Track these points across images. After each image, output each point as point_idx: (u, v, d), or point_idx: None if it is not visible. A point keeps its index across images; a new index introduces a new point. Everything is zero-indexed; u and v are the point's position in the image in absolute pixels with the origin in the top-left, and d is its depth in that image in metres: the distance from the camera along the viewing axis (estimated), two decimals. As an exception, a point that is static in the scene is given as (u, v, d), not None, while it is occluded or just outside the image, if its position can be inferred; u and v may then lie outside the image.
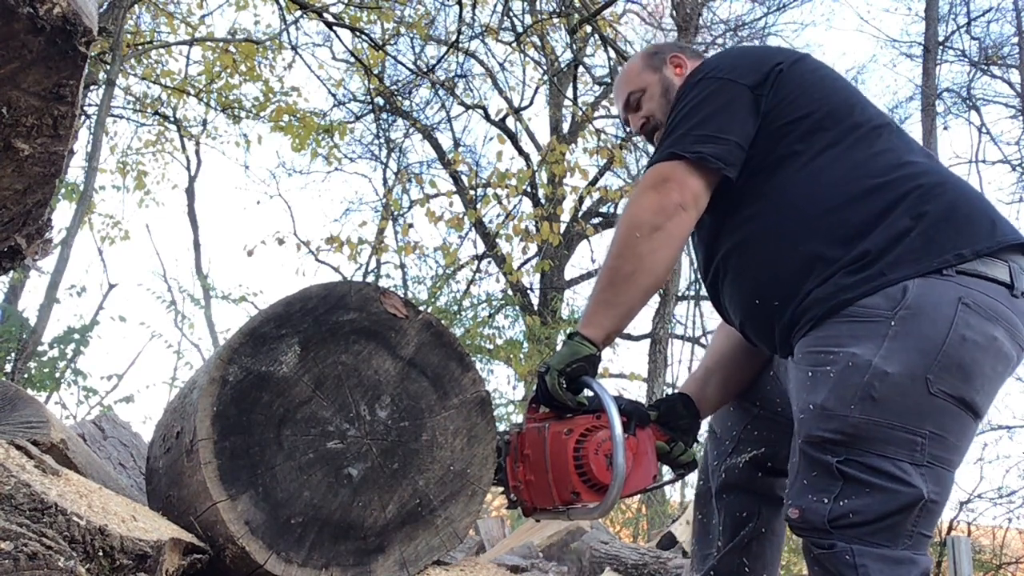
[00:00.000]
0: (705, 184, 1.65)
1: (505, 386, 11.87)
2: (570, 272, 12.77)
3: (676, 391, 1.95)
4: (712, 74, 1.72)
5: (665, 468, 1.92)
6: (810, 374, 1.53)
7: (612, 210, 12.29)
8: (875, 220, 1.55)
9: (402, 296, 1.69)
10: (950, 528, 7.53)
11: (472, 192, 11.28)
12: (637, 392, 11.00)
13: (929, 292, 1.48)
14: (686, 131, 1.66)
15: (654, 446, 1.76)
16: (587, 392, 1.69)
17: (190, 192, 12.36)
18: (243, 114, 10.19)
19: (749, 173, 1.68)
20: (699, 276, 1.94)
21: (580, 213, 12.42)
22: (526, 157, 11.47)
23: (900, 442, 1.44)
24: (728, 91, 1.67)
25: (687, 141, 1.65)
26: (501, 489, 1.77)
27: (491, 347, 10.23)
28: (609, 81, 9.18)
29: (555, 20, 9.09)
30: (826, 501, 1.45)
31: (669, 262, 1.66)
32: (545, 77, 10.91)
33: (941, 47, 10.92)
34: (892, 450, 1.44)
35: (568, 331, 1.95)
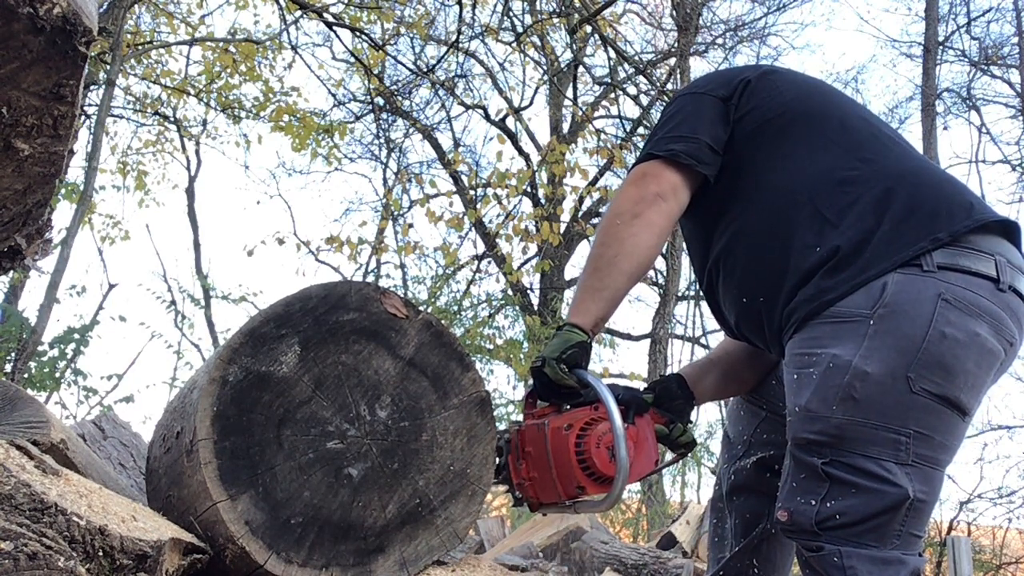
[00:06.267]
0: (682, 179, 1.70)
1: (505, 386, 11.88)
2: (570, 272, 12.77)
3: (672, 372, 1.97)
4: (686, 91, 1.85)
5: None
6: (796, 376, 1.53)
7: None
8: (847, 211, 1.55)
9: (402, 296, 1.69)
10: (950, 528, 7.52)
11: (472, 192, 11.29)
12: (637, 392, 10.97)
13: (908, 289, 1.47)
14: (661, 136, 1.75)
15: (653, 431, 1.77)
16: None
17: (190, 192, 12.37)
18: (243, 114, 10.20)
19: (729, 178, 1.72)
20: (698, 287, 1.99)
21: (580, 213, 12.42)
22: (526, 157, 11.48)
23: (884, 442, 1.43)
24: (698, 101, 1.77)
25: (662, 142, 1.73)
26: (505, 488, 1.77)
27: (491, 347, 10.23)
28: (609, 81, 9.18)
29: (555, 20, 9.10)
30: (813, 503, 1.45)
31: (650, 248, 1.68)
32: (545, 77, 10.92)
33: (941, 47, 10.93)
34: (876, 450, 1.44)
35: (558, 324, 1.96)
